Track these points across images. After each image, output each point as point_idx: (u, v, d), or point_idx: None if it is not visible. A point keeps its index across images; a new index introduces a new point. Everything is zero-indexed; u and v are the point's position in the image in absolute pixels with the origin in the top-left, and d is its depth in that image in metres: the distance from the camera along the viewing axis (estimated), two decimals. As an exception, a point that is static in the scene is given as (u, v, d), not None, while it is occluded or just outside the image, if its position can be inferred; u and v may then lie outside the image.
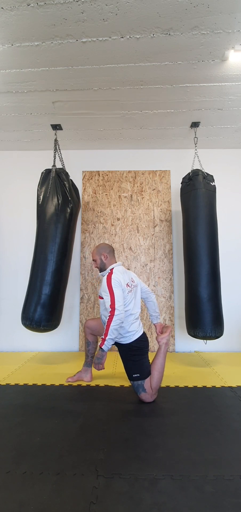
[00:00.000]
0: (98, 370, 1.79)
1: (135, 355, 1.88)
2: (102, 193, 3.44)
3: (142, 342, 1.93)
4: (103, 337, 1.75)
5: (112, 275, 1.87)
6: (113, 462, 1.27)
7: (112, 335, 1.73)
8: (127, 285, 1.93)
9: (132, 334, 1.89)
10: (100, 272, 2.07)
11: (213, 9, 1.74)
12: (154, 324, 2.14)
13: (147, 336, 2.05)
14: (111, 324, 1.73)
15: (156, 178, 3.46)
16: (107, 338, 1.73)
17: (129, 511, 1.01)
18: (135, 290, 2.01)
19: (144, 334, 1.97)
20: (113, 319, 1.73)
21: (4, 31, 1.89)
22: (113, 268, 1.97)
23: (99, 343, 1.80)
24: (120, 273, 1.92)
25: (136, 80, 2.35)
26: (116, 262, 2.07)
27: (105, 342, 1.73)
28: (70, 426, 1.58)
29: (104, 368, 1.81)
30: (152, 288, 3.26)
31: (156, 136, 3.23)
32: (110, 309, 1.76)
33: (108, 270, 1.99)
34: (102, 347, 1.74)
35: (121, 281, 1.86)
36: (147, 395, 1.85)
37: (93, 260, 2.11)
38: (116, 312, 1.74)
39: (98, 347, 2.22)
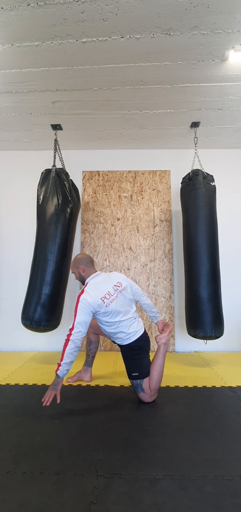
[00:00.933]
0: (46, 402, 1.62)
1: (136, 354, 1.87)
2: (102, 193, 3.44)
3: (143, 341, 1.90)
4: (59, 362, 1.68)
5: (82, 296, 1.77)
6: (113, 462, 1.27)
7: (67, 360, 1.67)
8: (104, 297, 1.80)
9: (132, 335, 1.87)
10: (83, 285, 1.96)
11: (213, 9, 1.74)
12: (155, 323, 2.11)
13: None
14: (67, 348, 1.67)
15: (156, 178, 3.46)
16: (62, 363, 1.66)
17: (129, 511, 1.01)
18: (123, 293, 1.90)
19: (145, 333, 1.93)
20: (69, 344, 1.67)
21: (4, 31, 1.89)
22: (88, 282, 1.89)
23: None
24: (94, 287, 1.83)
25: (136, 80, 2.35)
26: (95, 272, 1.98)
27: (60, 368, 1.66)
28: (70, 426, 1.58)
29: (58, 400, 1.65)
30: (152, 288, 3.26)
31: (156, 136, 3.23)
32: (68, 332, 1.71)
33: (85, 284, 1.90)
34: (58, 373, 1.66)
35: (90, 303, 1.74)
36: (146, 395, 1.84)
37: (72, 273, 2.05)
38: (72, 337, 1.68)
39: (94, 348, 2.20)
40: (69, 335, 1.70)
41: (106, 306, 1.79)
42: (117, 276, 2.00)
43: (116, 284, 1.91)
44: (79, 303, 1.75)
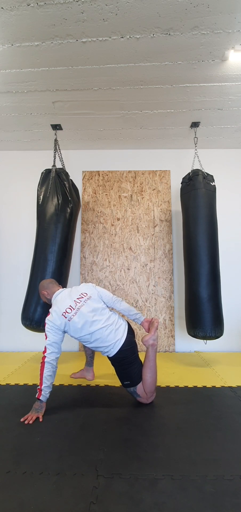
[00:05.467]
0: (28, 422, 1.60)
1: (122, 364, 1.81)
2: (102, 193, 3.44)
3: (127, 350, 1.80)
4: (39, 387, 1.70)
5: (47, 318, 1.81)
6: (113, 462, 1.27)
7: (47, 382, 1.69)
8: (65, 312, 1.79)
9: (112, 346, 1.78)
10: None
11: (213, 9, 1.74)
12: (140, 325, 1.97)
13: (139, 333, 1.95)
14: (44, 372, 1.69)
15: (156, 178, 3.46)
16: (43, 387, 1.68)
17: (129, 511, 1.01)
18: (89, 302, 1.85)
19: (127, 340, 1.82)
20: (45, 366, 1.70)
21: (4, 31, 1.89)
22: (52, 302, 1.91)
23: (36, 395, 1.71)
24: (56, 306, 1.83)
25: (136, 80, 2.35)
26: (58, 290, 1.97)
27: (42, 392, 1.68)
28: (70, 426, 1.58)
29: (41, 420, 1.63)
30: (152, 288, 3.26)
31: (156, 136, 3.23)
32: (42, 355, 1.73)
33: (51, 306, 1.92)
34: (40, 398, 1.68)
35: (54, 322, 1.76)
36: (142, 399, 1.82)
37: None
38: (46, 359, 1.71)
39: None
40: (43, 358, 1.73)
41: (69, 320, 1.78)
42: (83, 288, 1.96)
43: (79, 296, 1.88)
44: (46, 325, 1.79)
